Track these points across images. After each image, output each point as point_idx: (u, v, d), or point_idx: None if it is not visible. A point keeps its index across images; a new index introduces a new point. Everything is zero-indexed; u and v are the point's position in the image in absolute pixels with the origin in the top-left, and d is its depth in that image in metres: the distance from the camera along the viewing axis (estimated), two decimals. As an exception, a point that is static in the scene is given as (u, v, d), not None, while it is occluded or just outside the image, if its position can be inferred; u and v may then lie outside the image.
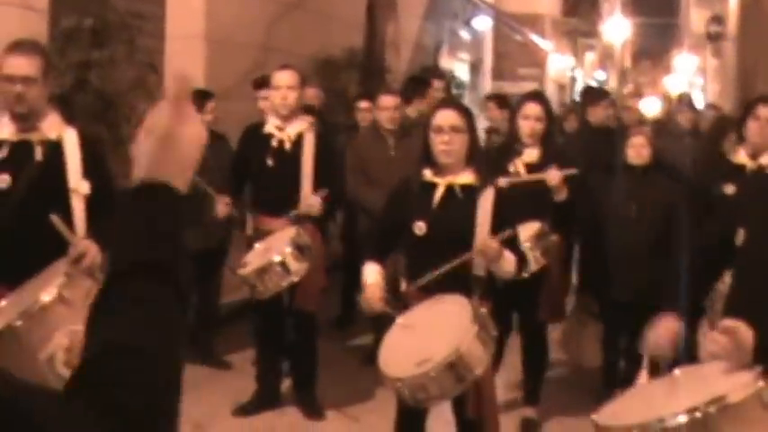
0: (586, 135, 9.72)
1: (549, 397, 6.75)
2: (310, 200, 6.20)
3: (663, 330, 3.69)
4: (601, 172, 6.97)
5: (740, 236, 3.51)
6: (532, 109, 6.34)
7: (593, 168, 7.05)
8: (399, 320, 4.48)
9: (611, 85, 43.38)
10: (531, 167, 6.25)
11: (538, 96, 6.89)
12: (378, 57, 16.06)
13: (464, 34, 22.50)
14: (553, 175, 6.07)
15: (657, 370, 3.64)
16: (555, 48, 31.92)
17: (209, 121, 7.41)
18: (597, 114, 9.96)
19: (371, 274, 4.85)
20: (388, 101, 7.88)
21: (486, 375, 4.38)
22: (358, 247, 7.29)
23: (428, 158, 4.79)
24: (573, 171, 6.10)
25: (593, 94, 11.12)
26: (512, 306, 6.29)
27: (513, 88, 24.40)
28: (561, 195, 6.12)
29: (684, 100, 10.25)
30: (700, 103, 27.16)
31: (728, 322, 3.03)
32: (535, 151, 6.30)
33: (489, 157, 6.40)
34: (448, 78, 13.00)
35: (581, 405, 5.96)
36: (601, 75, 42.67)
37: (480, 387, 4.41)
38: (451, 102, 6.01)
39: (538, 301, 6.28)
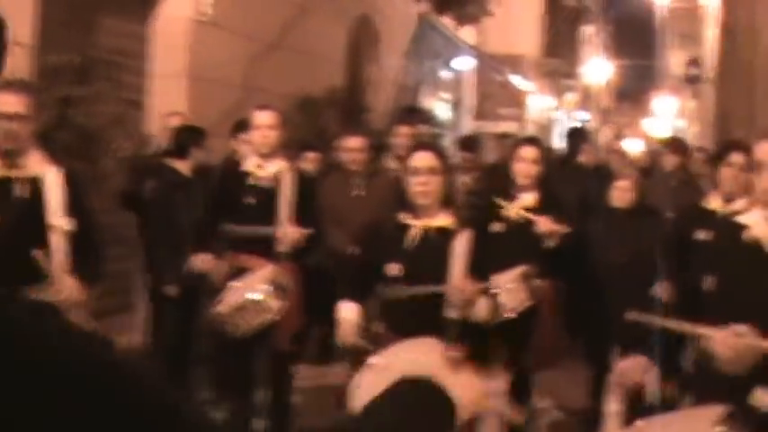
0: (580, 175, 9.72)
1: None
2: (288, 230, 6.23)
3: (631, 366, 3.75)
4: (585, 214, 7.03)
5: (708, 282, 3.57)
6: (527, 152, 6.40)
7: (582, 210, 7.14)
8: (371, 362, 4.52)
9: (592, 125, 43.62)
10: (527, 212, 6.28)
11: (533, 140, 6.97)
12: (359, 96, 16.14)
13: (445, 74, 22.65)
14: (544, 223, 6.11)
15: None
16: (536, 88, 32.10)
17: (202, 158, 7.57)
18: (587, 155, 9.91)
19: (347, 311, 4.91)
20: (353, 142, 7.94)
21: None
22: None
23: (403, 201, 4.86)
24: (564, 230, 6.11)
25: (582, 135, 11.06)
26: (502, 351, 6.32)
27: (494, 128, 24.53)
28: (550, 242, 6.16)
29: (669, 144, 10.23)
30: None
31: (741, 328, 3.11)
32: (531, 196, 6.35)
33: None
34: (430, 120, 13.12)
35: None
36: (582, 115, 42.90)
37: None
38: (427, 144, 6.07)
39: (527, 348, 6.30)
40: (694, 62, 25.90)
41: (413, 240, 4.77)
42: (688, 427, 3.04)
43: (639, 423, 3.39)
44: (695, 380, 3.62)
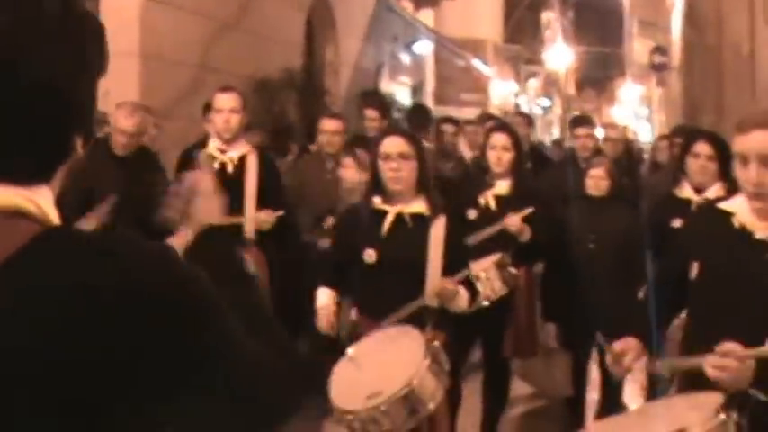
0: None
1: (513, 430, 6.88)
2: (262, 215, 6.21)
3: (625, 348, 3.80)
4: (563, 202, 7.08)
5: (693, 269, 3.62)
6: (499, 139, 6.43)
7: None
8: (350, 352, 4.50)
9: (556, 112, 43.92)
10: (501, 200, 6.34)
11: (505, 127, 7.01)
12: (316, 79, 16.13)
13: (405, 57, 22.67)
14: (512, 222, 6.14)
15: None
16: (497, 74, 32.25)
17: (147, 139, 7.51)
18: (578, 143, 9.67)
19: (323, 297, 4.94)
20: (329, 124, 7.99)
21: (441, 410, 4.42)
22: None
23: (377, 186, 4.87)
24: (529, 210, 6.17)
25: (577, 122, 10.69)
26: (476, 339, 6.37)
27: (456, 113, 24.61)
28: (525, 237, 6.19)
29: (680, 132, 10.16)
30: (646, 133, 27.52)
31: (728, 345, 3.15)
32: (506, 183, 6.39)
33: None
34: (387, 105, 13.12)
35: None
36: (545, 102, 43.19)
37: (435, 422, 4.45)
38: (399, 129, 6.06)
39: (503, 336, 6.35)
40: (659, 50, 26.09)
41: (388, 226, 4.78)
42: (688, 413, 3.07)
43: (643, 405, 3.43)
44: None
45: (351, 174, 7.16)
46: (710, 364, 3.19)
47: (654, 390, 5.44)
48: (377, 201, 4.87)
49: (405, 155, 4.79)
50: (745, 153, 3.41)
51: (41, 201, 1.46)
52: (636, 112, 37.06)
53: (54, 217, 1.48)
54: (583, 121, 10.26)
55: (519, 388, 7.36)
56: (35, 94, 1.44)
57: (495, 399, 6.61)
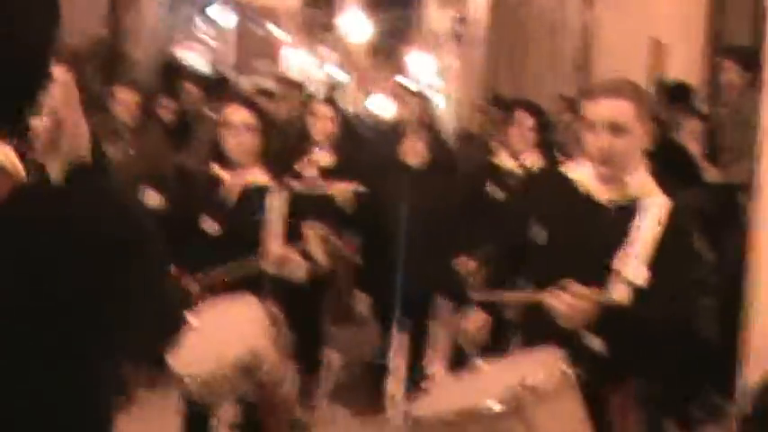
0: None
1: (331, 397, 7.15)
2: None
3: (473, 322, 4.06)
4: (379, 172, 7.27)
5: (536, 234, 3.88)
6: (324, 110, 6.64)
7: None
8: (188, 318, 4.57)
9: (350, 81, 44.05)
10: (324, 171, 6.54)
11: (328, 97, 7.15)
12: (118, 46, 15.87)
13: (205, 25, 22.51)
14: (339, 191, 6.36)
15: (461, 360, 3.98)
16: (293, 41, 32.23)
17: None
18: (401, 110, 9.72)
19: None
20: (123, 93, 8.02)
21: (279, 378, 4.50)
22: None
23: (218, 154, 4.98)
24: (356, 187, 6.38)
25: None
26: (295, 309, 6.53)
27: (251, 81, 24.57)
28: (346, 208, 6.42)
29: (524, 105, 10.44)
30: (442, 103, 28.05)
31: (577, 287, 3.44)
32: (326, 153, 6.59)
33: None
34: (205, 79, 13.07)
35: (360, 403, 6.63)
36: (338, 71, 43.26)
37: (273, 390, 4.56)
38: (244, 98, 6.12)
39: (322, 306, 6.55)
40: (459, 20, 26.53)
41: (228, 196, 4.92)
42: (530, 367, 3.30)
43: (482, 362, 3.67)
44: (524, 325, 3.95)
45: None
46: (553, 296, 3.46)
47: (464, 356, 5.76)
48: (216, 169, 4.98)
49: (248, 126, 4.92)
50: (594, 120, 3.67)
51: (13, 157, 1.67)
52: (431, 83, 37.67)
53: (23, 171, 1.69)
54: (406, 88, 10.54)
55: (331, 356, 7.56)
56: (21, 55, 1.66)
57: (308, 367, 6.78)
